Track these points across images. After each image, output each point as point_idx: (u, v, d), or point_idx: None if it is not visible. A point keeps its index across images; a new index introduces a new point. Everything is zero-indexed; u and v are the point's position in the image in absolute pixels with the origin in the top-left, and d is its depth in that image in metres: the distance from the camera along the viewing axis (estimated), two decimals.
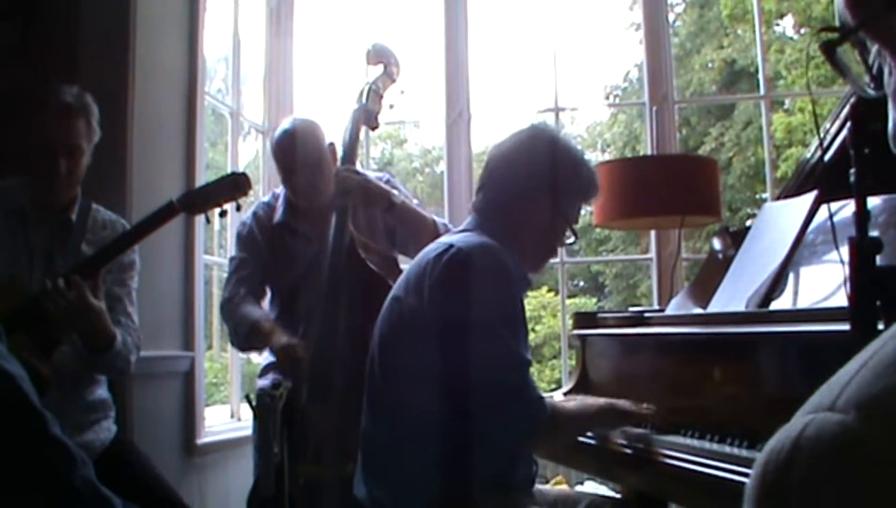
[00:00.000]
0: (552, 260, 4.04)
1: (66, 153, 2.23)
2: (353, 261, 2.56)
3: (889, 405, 0.50)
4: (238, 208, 2.37)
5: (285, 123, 2.84)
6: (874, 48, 0.76)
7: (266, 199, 2.94)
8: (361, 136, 2.84)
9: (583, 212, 2.10)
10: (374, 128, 2.86)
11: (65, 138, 2.23)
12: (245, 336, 2.69)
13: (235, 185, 2.30)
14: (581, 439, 2.06)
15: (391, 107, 2.88)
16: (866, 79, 0.80)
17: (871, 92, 0.79)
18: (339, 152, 2.79)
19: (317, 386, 2.45)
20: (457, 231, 2.04)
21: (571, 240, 2.06)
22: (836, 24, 0.80)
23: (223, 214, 2.32)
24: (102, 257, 2.21)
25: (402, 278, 1.97)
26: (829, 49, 0.79)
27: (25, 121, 2.26)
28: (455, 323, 1.78)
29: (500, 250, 1.84)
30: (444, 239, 1.97)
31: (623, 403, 1.96)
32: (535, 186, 1.95)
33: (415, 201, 2.84)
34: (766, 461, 0.54)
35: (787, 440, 0.53)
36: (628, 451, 1.92)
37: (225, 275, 2.99)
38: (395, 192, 2.67)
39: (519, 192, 1.95)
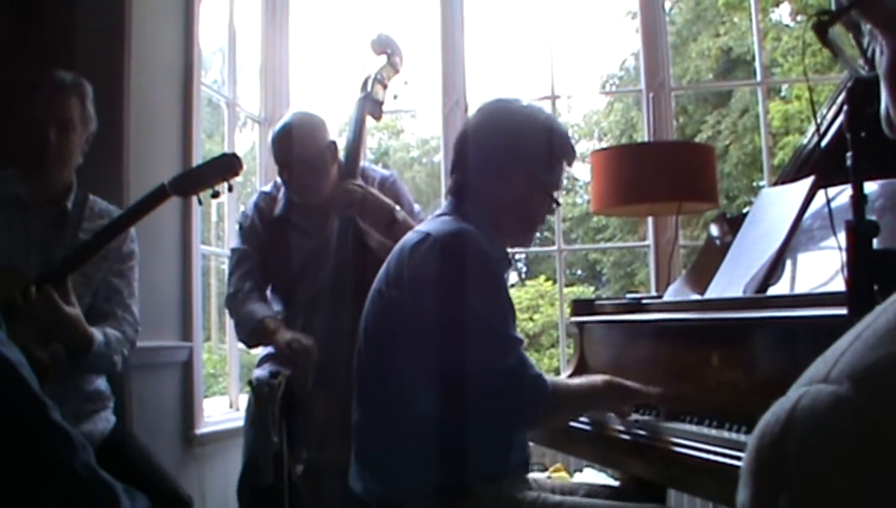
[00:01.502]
0: (549, 248, 4.07)
1: (57, 127, 2.23)
2: (360, 251, 2.57)
3: (882, 375, 0.51)
4: (230, 189, 2.35)
5: (286, 117, 2.84)
6: (867, 28, 0.76)
7: (268, 189, 2.94)
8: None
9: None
10: (378, 118, 2.87)
11: (56, 112, 2.23)
12: (251, 333, 2.72)
13: (226, 165, 2.28)
14: (579, 425, 2.07)
15: (395, 97, 2.89)
16: (860, 61, 0.80)
17: (864, 72, 0.80)
18: (345, 142, 2.80)
19: (322, 375, 2.47)
20: (433, 217, 2.02)
21: (554, 208, 2.04)
22: (832, 7, 0.80)
23: (215, 195, 2.30)
24: (97, 243, 2.19)
25: (382, 270, 1.94)
26: (821, 29, 0.79)
27: (20, 102, 2.26)
28: (442, 314, 1.77)
29: (477, 233, 1.83)
30: (421, 227, 1.96)
31: (628, 381, 1.96)
32: (506, 160, 1.92)
33: (416, 207, 2.84)
34: (762, 433, 0.54)
35: (781, 413, 0.53)
36: (627, 437, 1.93)
37: (223, 266, 2.99)
38: (397, 207, 2.68)
39: (491, 169, 1.93)
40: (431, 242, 1.82)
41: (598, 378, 1.98)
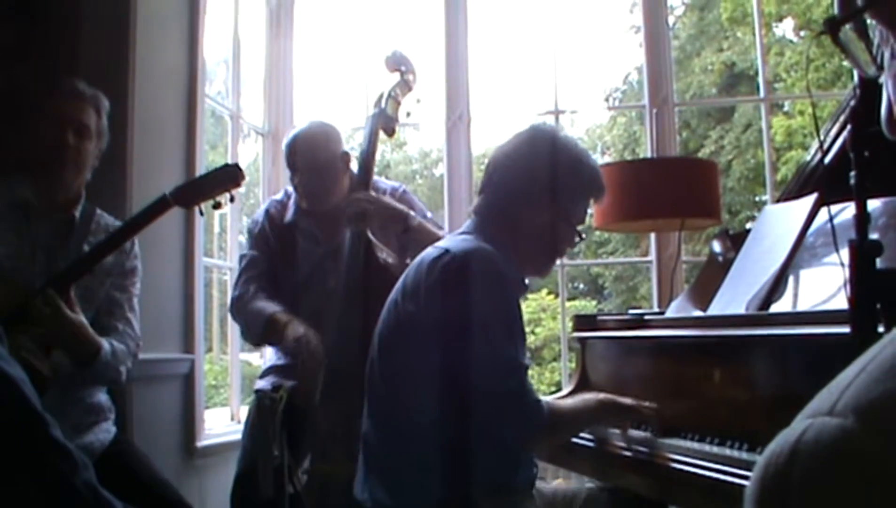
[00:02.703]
0: None
1: (75, 130, 2.24)
2: (369, 264, 2.58)
3: (888, 409, 0.50)
4: (232, 200, 2.35)
5: (302, 125, 2.87)
6: (876, 33, 0.77)
7: (279, 196, 2.96)
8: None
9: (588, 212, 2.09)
10: (391, 134, 2.88)
11: (74, 116, 2.25)
12: (261, 329, 2.68)
13: (228, 176, 2.28)
14: (580, 441, 2.07)
15: (408, 115, 2.91)
16: (872, 69, 0.81)
17: (873, 71, 0.80)
18: (357, 155, 2.81)
19: (328, 386, 2.47)
20: (455, 234, 2.04)
21: (577, 241, 2.05)
22: (836, 11, 0.80)
23: (217, 205, 2.30)
24: (100, 253, 2.19)
25: (399, 282, 1.97)
26: (833, 27, 0.79)
27: (36, 105, 2.28)
28: (451, 329, 1.79)
29: (496, 254, 1.84)
30: (441, 243, 1.97)
31: (623, 398, 1.97)
32: (534, 189, 1.94)
33: (428, 215, 2.86)
34: (766, 464, 0.54)
35: (786, 445, 0.53)
36: (627, 453, 1.92)
37: (226, 278, 2.99)
38: (411, 212, 2.69)
39: (519, 195, 1.95)
40: (449, 258, 1.83)
41: (592, 398, 2.00)
